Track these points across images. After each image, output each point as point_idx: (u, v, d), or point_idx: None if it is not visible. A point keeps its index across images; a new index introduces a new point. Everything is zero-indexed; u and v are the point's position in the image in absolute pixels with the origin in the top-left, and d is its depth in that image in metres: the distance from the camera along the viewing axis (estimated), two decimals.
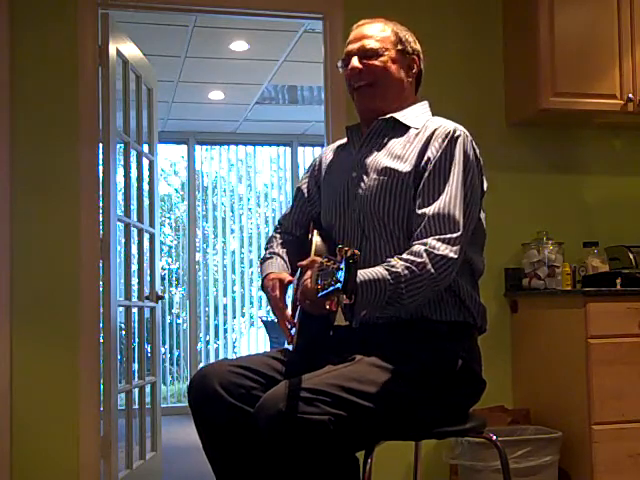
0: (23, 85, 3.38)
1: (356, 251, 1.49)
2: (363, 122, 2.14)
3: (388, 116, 2.06)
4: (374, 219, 1.97)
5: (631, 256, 3.59)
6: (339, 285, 1.46)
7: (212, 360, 7.32)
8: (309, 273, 1.64)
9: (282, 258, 2.16)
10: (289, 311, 1.99)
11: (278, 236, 2.27)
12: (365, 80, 2.06)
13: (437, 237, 1.83)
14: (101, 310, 3.42)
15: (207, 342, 7.37)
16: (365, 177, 2.01)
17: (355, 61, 2.07)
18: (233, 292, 7.45)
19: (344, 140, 2.24)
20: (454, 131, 1.96)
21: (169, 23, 4.61)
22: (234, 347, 7.61)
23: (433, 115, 2.13)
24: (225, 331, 7.49)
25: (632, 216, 3.86)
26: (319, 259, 1.61)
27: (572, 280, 3.58)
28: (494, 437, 2.05)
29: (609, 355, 3.16)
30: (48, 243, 3.37)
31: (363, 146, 2.08)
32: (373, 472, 1.87)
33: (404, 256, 1.80)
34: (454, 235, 1.83)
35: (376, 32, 2.11)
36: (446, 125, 1.99)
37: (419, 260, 1.77)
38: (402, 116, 2.06)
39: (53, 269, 3.36)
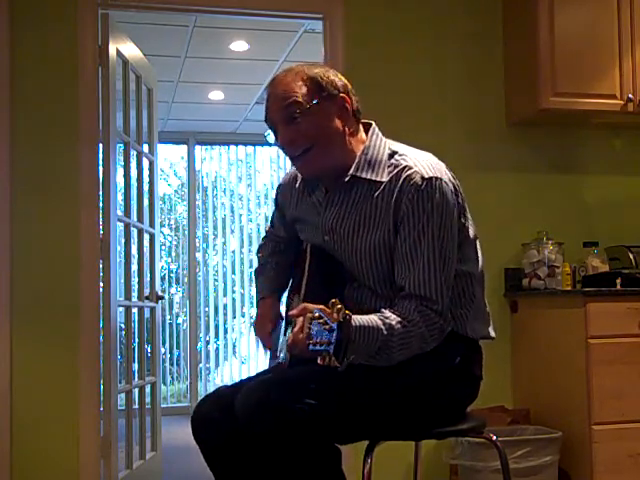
0: (23, 85, 3.38)
1: (348, 312, 1.46)
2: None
3: (349, 176, 1.88)
4: (355, 281, 1.92)
5: (631, 256, 3.59)
6: (331, 348, 1.44)
7: (212, 360, 7.35)
8: (300, 321, 1.57)
9: (274, 270, 2.18)
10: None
11: (265, 243, 2.27)
12: (301, 147, 1.86)
13: (419, 306, 1.79)
14: (101, 310, 3.42)
15: (207, 342, 7.37)
16: (339, 245, 1.92)
17: (283, 132, 1.86)
18: (233, 292, 7.45)
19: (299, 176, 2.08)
20: (421, 183, 1.80)
21: (169, 23, 4.61)
22: (234, 347, 7.61)
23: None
24: (225, 331, 7.49)
25: (632, 216, 3.86)
26: (311, 308, 1.55)
27: (572, 280, 3.58)
28: (494, 437, 2.05)
29: (609, 355, 3.16)
30: (48, 243, 3.36)
31: (328, 207, 1.94)
32: (373, 472, 1.87)
33: (396, 310, 1.76)
34: (433, 307, 1.79)
35: (292, 90, 1.85)
36: (414, 174, 1.82)
37: (411, 317, 1.75)
38: (360, 168, 1.88)
39: (53, 269, 3.36)
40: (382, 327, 1.69)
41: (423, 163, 1.85)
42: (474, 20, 3.80)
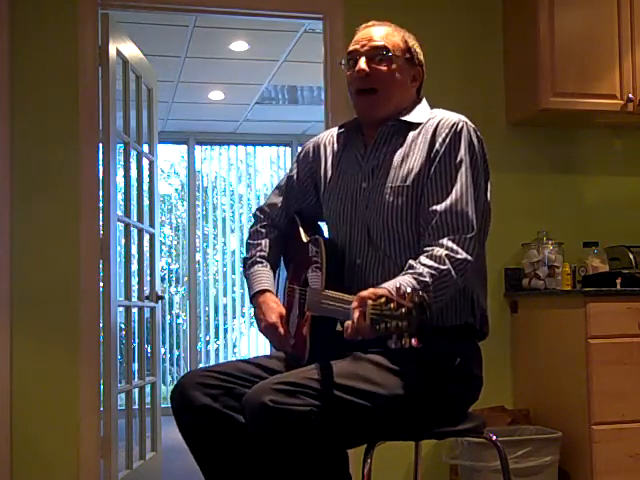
0: (23, 85, 3.37)
1: (422, 294, 1.48)
2: (364, 123, 2.10)
3: (395, 120, 2.02)
4: (385, 229, 1.96)
5: (631, 256, 3.59)
6: (412, 330, 1.46)
7: (212, 360, 7.35)
8: (359, 312, 1.59)
9: (270, 264, 2.17)
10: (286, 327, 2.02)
11: (264, 231, 2.25)
12: (370, 85, 2.00)
13: (452, 237, 1.83)
14: (101, 310, 3.42)
15: (207, 342, 7.37)
16: (377, 191, 1.98)
17: (362, 63, 1.99)
18: (233, 292, 7.45)
19: (334, 136, 2.17)
20: (458, 123, 1.95)
21: (169, 23, 4.61)
22: (234, 347, 7.61)
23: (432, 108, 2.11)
24: (225, 331, 7.49)
25: (632, 216, 3.86)
26: (368, 294, 1.57)
27: (572, 280, 3.57)
28: (494, 437, 2.05)
29: (609, 355, 3.16)
30: (48, 243, 3.36)
31: (371, 155, 2.04)
32: (373, 472, 1.87)
33: (427, 262, 1.78)
34: (468, 235, 1.84)
35: (386, 36, 2.03)
36: (449, 117, 1.98)
37: (443, 267, 1.77)
38: (403, 115, 2.04)
39: (53, 269, 3.36)
40: (417, 287, 1.72)
41: (461, 116, 2.00)
42: (474, 20, 3.80)
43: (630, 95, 3.53)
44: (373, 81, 2.00)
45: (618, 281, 3.34)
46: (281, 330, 1.99)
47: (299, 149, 2.29)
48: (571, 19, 3.53)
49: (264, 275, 2.13)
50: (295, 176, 2.23)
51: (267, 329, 2.01)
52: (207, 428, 1.89)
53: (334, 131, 2.20)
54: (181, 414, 1.93)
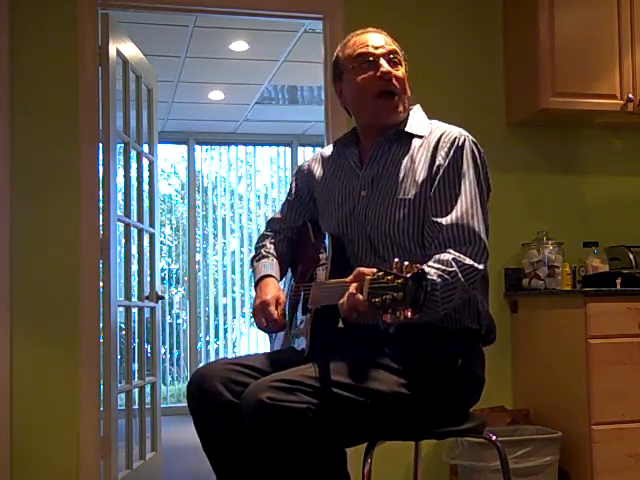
0: (23, 85, 3.37)
1: (419, 266, 1.49)
2: (365, 132, 2.09)
3: (395, 130, 2.02)
4: (387, 239, 1.96)
5: (631, 256, 3.59)
6: (407, 301, 1.45)
7: (212, 359, 7.32)
8: (354, 286, 1.61)
9: (277, 259, 2.17)
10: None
11: (270, 234, 2.27)
12: (394, 87, 1.99)
13: (459, 249, 1.82)
14: (101, 310, 3.42)
15: (207, 342, 7.37)
16: (376, 198, 1.98)
17: (387, 65, 1.98)
18: (233, 292, 7.45)
19: (329, 151, 2.20)
20: (459, 137, 1.95)
21: (169, 23, 4.61)
22: (234, 347, 7.61)
23: (429, 117, 2.11)
24: (225, 331, 7.49)
25: (632, 216, 3.86)
26: (368, 271, 1.58)
27: (572, 280, 3.57)
28: (494, 437, 2.05)
29: (609, 355, 3.16)
30: (48, 243, 3.36)
31: (370, 163, 2.04)
32: (373, 472, 1.87)
33: (434, 264, 1.77)
34: (475, 247, 1.84)
35: (391, 41, 2.05)
36: (451, 131, 1.98)
37: (450, 269, 1.76)
38: (403, 124, 2.03)
39: (53, 269, 3.36)
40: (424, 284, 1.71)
41: (461, 130, 2.01)
42: (474, 20, 3.80)
43: (630, 95, 3.53)
44: (397, 84, 2.00)
45: (618, 281, 3.34)
46: (273, 308, 1.97)
47: (298, 163, 2.31)
48: (571, 19, 3.53)
49: (268, 265, 2.15)
50: (295, 191, 2.26)
51: (261, 305, 2.00)
52: (231, 427, 1.86)
53: (330, 147, 2.23)
54: (203, 410, 1.92)
